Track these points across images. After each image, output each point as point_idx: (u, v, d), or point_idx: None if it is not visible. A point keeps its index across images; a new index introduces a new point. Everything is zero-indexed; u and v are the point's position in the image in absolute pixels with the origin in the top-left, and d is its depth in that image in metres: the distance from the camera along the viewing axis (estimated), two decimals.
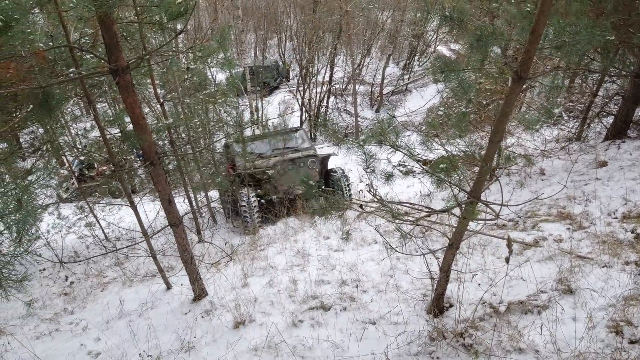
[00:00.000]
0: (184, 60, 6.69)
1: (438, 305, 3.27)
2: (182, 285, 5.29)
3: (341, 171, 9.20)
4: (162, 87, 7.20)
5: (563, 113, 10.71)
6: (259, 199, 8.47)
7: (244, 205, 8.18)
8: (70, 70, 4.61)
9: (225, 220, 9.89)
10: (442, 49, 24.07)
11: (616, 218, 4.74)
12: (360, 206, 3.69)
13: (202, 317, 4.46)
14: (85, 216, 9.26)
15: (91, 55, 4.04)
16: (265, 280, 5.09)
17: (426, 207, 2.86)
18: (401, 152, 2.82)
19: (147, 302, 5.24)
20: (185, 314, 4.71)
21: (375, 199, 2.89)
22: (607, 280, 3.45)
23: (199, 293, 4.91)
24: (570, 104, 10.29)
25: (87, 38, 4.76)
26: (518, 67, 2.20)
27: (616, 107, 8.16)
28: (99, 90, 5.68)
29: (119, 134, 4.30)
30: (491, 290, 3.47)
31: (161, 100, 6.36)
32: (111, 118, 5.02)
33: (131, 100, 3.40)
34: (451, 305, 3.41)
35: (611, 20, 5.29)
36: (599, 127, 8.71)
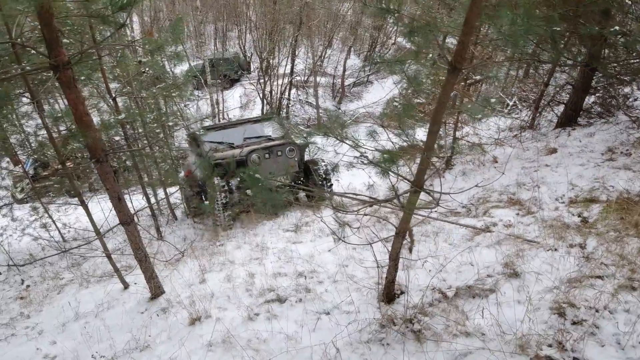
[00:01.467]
0: (141, 53, 6.53)
1: (388, 293, 3.33)
2: (135, 284, 5.20)
3: (322, 161, 8.66)
4: (114, 81, 7.01)
5: (517, 102, 11.03)
6: (226, 189, 7.84)
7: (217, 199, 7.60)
8: (15, 66, 4.44)
9: (187, 216, 9.65)
10: (403, 41, 24.31)
11: (563, 203, 4.92)
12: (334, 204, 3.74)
13: (158, 315, 4.40)
14: (40, 217, 8.97)
15: (34, 50, 3.88)
16: (222, 275, 5.06)
17: (369, 197, 2.90)
18: (347, 144, 2.84)
19: (104, 303, 5.12)
20: (142, 312, 4.64)
21: (327, 192, 2.90)
22: (552, 263, 3.58)
23: (156, 291, 4.84)
24: (523, 93, 10.59)
25: (29, 32, 4.59)
26: (453, 58, 2.24)
27: (567, 96, 8.45)
28: (47, 86, 5.47)
29: (66, 131, 4.17)
30: (440, 276, 3.56)
31: (113, 95, 6.19)
32: (59, 115, 4.86)
33: (73, 96, 3.29)
34: (402, 293, 3.48)
35: (559, 12, 5.45)
36: (550, 115, 9.00)
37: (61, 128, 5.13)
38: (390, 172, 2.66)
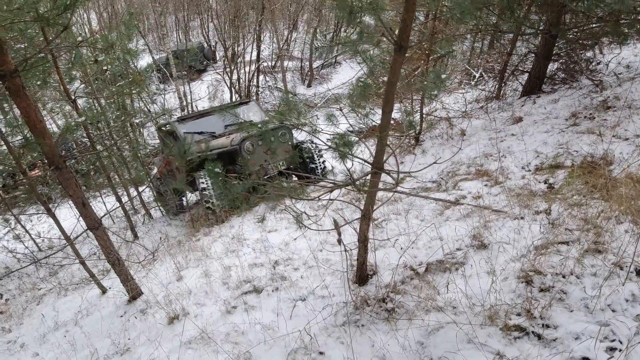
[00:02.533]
0: (97, 52, 6.36)
1: (361, 275, 3.37)
2: (110, 288, 5.15)
3: (311, 143, 8.22)
4: (74, 82, 6.82)
5: (483, 73, 11.12)
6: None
7: (207, 196, 7.08)
8: None
9: (163, 215, 9.50)
10: (368, 20, 24.14)
11: (529, 171, 5.02)
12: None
13: (137, 317, 4.37)
14: (12, 229, 8.78)
15: None
16: (199, 271, 5.04)
17: (331, 182, 2.91)
18: (305, 131, 2.83)
19: (82, 310, 5.07)
20: (121, 316, 4.60)
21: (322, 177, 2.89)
22: (519, 231, 3.66)
23: (133, 293, 4.80)
24: (488, 64, 10.68)
25: None
26: (397, 36, 2.24)
27: (531, 64, 8.55)
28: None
29: (22, 140, 4.06)
30: (411, 252, 3.60)
31: (72, 97, 6.03)
32: (16, 124, 4.72)
33: (24, 104, 3.19)
34: (374, 273, 3.52)
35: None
36: (515, 84, 9.11)
37: (18, 137, 4.99)
38: (348, 156, 2.66)
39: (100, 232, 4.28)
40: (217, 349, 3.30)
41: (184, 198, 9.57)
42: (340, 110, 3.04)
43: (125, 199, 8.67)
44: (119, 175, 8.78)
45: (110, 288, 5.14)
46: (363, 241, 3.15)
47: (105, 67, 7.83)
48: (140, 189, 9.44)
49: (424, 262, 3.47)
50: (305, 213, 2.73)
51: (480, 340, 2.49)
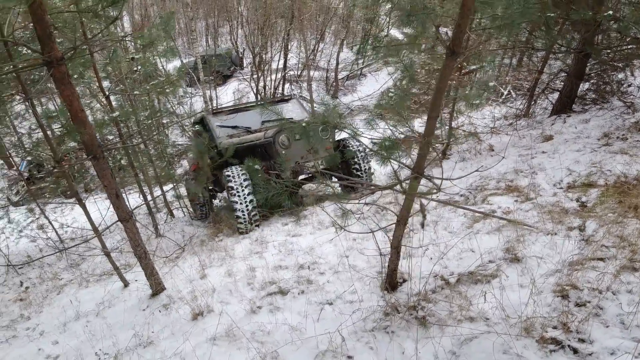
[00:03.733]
0: (133, 50, 6.48)
1: (391, 281, 3.33)
2: (136, 281, 5.18)
3: (356, 143, 7.24)
4: (108, 79, 6.95)
5: (511, 91, 11.04)
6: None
7: (235, 195, 6.32)
8: (6, 66, 4.39)
9: (191, 219, 9.37)
10: (395, 33, 24.25)
11: (561, 188, 4.94)
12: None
13: (160, 311, 4.39)
14: (37, 218, 8.94)
15: (26, 48, 3.84)
16: (223, 270, 5.05)
17: (372, 185, 2.90)
18: (346, 132, 2.83)
19: (104, 302, 5.11)
20: (143, 310, 4.63)
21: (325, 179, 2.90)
22: (552, 247, 3.60)
23: (156, 288, 4.82)
24: (518, 81, 10.60)
25: (20, 31, 4.54)
26: (450, 42, 2.24)
27: (561, 83, 8.47)
28: (40, 85, 5.43)
29: (61, 129, 4.13)
30: (442, 263, 3.57)
31: (107, 93, 6.15)
32: (54, 113, 4.82)
33: (68, 92, 3.26)
34: (404, 281, 3.48)
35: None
36: (545, 103, 9.01)
37: (55, 127, 5.09)
38: (390, 160, 2.65)
39: (131, 224, 4.33)
40: (243, 346, 3.29)
41: (214, 201, 9.23)
42: (381, 115, 3.04)
43: (149, 197, 8.75)
44: (144, 172, 8.88)
45: (137, 281, 5.17)
46: (396, 247, 3.12)
47: (135, 68, 7.99)
48: (165, 188, 9.53)
49: (455, 272, 3.43)
50: (352, 212, 2.71)
51: (516, 352, 2.45)
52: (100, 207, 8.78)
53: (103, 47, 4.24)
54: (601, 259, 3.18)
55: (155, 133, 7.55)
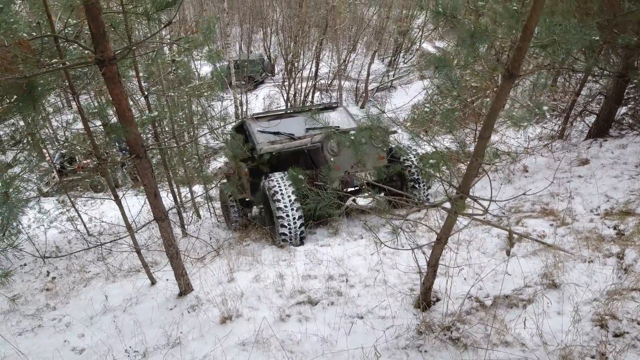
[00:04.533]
0: (168, 52, 6.61)
1: (426, 299, 3.30)
2: (167, 280, 5.24)
3: (414, 152, 6.39)
4: (146, 80, 7.10)
5: (547, 111, 10.85)
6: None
7: (281, 207, 5.77)
8: (54, 60, 4.52)
9: (227, 227, 8.93)
10: (427, 46, 24.20)
11: (598, 215, 4.83)
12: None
13: (189, 312, 4.42)
14: (67, 210, 9.14)
15: (75, 45, 3.96)
16: (251, 275, 5.07)
17: (417, 202, 2.88)
18: (390, 146, 2.83)
19: (132, 298, 5.18)
20: (171, 309, 4.67)
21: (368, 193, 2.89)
22: (590, 275, 3.52)
23: (185, 288, 4.87)
24: (554, 102, 10.43)
25: (70, 28, 4.68)
26: (509, 64, 2.22)
27: (598, 106, 8.31)
28: (82, 81, 5.57)
29: (103, 127, 4.23)
30: (477, 284, 3.51)
31: (145, 93, 6.28)
32: (94, 110, 4.94)
33: (117, 91, 3.34)
34: (438, 300, 3.44)
35: (597, 21, 5.37)
36: (581, 125, 8.85)
37: (97, 124, 5.22)
38: (437, 177, 2.64)
39: (166, 224, 4.39)
40: (272, 355, 3.29)
41: (252, 209, 8.70)
42: (426, 132, 3.02)
43: (178, 197, 8.87)
44: (174, 173, 9.02)
45: (167, 280, 5.22)
46: (433, 266, 3.09)
47: (173, 69, 8.14)
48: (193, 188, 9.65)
49: (490, 295, 3.37)
50: (401, 228, 2.70)
51: None
52: (128, 204, 8.94)
53: (158, 48, 4.34)
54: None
55: (191, 134, 7.63)
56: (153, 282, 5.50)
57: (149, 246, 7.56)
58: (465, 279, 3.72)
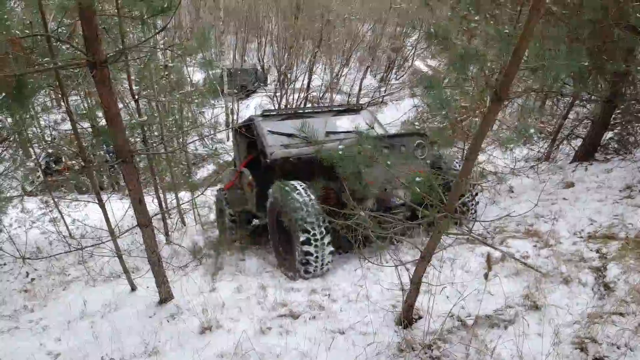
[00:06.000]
0: (161, 57, 6.60)
1: (407, 317, 3.29)
2: (148, 287, 5.17)
3: (455, 163, 5.58)
4: (138, 84, 7.07)
5: (533, 134, 11.00)
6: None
7: (307, 234, 4.54)
8: (45, 60, 4.49)
9: (220, 240, 7.92)
10: (419, 64, 24.48)
11: (582, 238, 4.88)
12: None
13: (168, 321, 4.36)
14: (50, 211, 9.01)
15: (68, 46, 3.93)
16: (234, 285, 5.03)
17: (402, 221, 2.89)
18: (378, 162, 2.84)
19: (111, 304, 5.10)
20: (150, 317, 4.60)
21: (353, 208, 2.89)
22: (571, 297, 3.55)
23: (165, 296, 4.80)
24: (541, 125, 10.58)
25: (64, 29, 4.65)
26: (498, 87, 2.25)
27: (585, 130, 8.45)
28: (72, 82, 5.53)
29: (91, 129, 4.20)
30: (459, 303, 3.51)
31: (136, 97, 6.24)
32: (83, 112, 4.90)
33: (107, 95, 3.32)
34: (420, 317, 3.44)
35: (587, 47, 5.48)
36: (567, 149, 8.98)
37: (84, 125, 5.18)
38: (424, 195, 2.65)
39: (149, 230, 4.34)
40: None
41: (255, 221, 7.84)
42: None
43: (163, 203, 8.78)
44: (160, 179, 8.95)
45: (148, 287, 5.15)
46: (417, 283, 3.09)
47: (165, 75, 8.12)
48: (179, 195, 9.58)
49: (472, 314, 3.38)
50: (383, 245, 2.69)
51: None
52: (112, 208, 8.83)
53: (151, 52, 4.33)
54: (621, 314, 3.13)
55: (180, 141, 7.59)
56: (133, 289, 5.43)
57: (130, 251, 7.47)
58: (447, 297, 3.72)
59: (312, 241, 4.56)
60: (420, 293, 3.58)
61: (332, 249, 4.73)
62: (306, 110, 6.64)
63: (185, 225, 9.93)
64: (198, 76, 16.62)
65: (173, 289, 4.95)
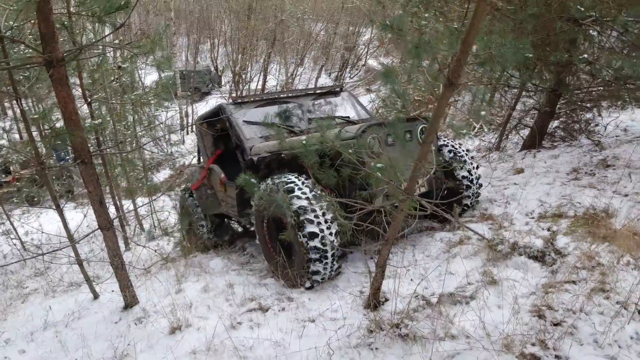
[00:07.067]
0: (112, 60, 6.47)
1: (375, 299, 3.41)
2: (113, 291, 5.07)
3: (459, 147, 5.39)
4: (90, 87, 6.90)
5: (484, 125, 11.47)
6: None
7: (314, 236, 3.85)
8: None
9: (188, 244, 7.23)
10: (372, 63, 24.91)
11: (533, 218, 5.15)
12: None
13: (136, 324, 4.30)
14: (2, 223, 8.66)
15: (22, 45, 3.82)
16: (200, 285, 5.00)
17: (363, 204, 3.00)
18: (342, 151, 2.94)
19: (74, 312, 4.96)
20: (116, 322, 4.52)
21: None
22: (525, 271, 3.77)
23: (130, 300, 4.72)
24: (490, 116, 11.04)
25: (15, 26, 4.49)
26: (450, 73, 2.39)
27: (531, 120, 8.88)
28: (23, 86, 5.34)
29: (48, 131, 4.09)
30: (423, 284, 3.67)
31: (89, 100, 6.10)
32: (35, 116, 4.76)
33: (65, 94, 3.26)
34: (387, 300, 3.57)
35: (531, 39, 5.78)
36: (516, 138, 9.42)
37: (36, 130, 5.02)
38: (384, 180, 2.76)
39: (111, 233, 4.27)
40: None
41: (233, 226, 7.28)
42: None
43: (120, 209, 8.59)
44: (116, 185, 8.75)
45: (113, 291, 5.06)
46: (382, 266, 3.21)
47: (117, 77, 7.93)
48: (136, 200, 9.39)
49: (435, 293, 3.54)
50: (349, 231, 2.77)
51: None
52: (66, 217, 8.56)
53: (108, 51, 4.25)
54: (573, 282, 3.36)
55: (137, 144, 7.44)
56: (96, 296, 5.30)
57: (90, 259, 7.28)
58: (412, 279, 3.87)
59: (320, 245, 3.87)
60: (385, 278, 3.71)
61: (339, 251, 4.08)
62: (282, 95, 5.96)
63: (144, 230, 9.75)
64: (150, 79, 16.32)
65: (138, 294, 4.88)
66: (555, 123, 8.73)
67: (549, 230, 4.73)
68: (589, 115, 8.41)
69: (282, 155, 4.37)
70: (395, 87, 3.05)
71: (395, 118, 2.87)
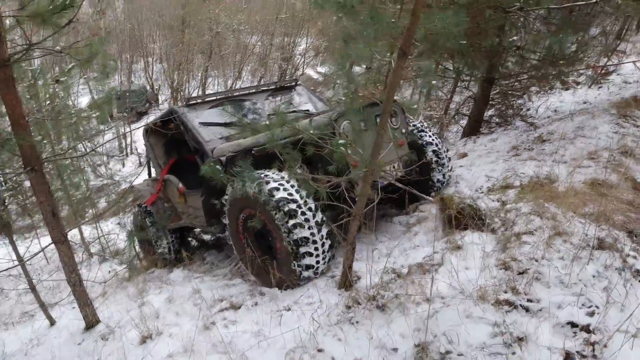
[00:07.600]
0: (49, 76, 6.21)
1: (348, 278, 3.47)
2: (74, 308, 4.81)
3: (428, 129, 5.52)
4: (26, 105, 6.55)
5: (423, 121, 11.91)
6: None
7: (303, 230, 3.69)
8: None
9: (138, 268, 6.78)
10: (310, 72, 25.24)
11: (483, 192, 5.43)
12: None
13: (102, 339, 4.11)
14: None
15: None
16: (164, 296, 4.83)
17: (329, 178, 3.06)
18: (302, 132, 3.00)
19: (32, 340, 4.66)
20: (79, 343, 4.30)
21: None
22: (484, 232, 3.97)
23: (92, 319, 4.48)
24: (428, 112, 11.51)
25: None
26: (402, 44, 2.52)
27: (469, 110, 9.36)
28: None
29: None
30: (390, 260, 3.79)
31: (26, 119, 5.79)
32: None
33: (12, 97, 3.12)
34: (359, 278, 3.64)
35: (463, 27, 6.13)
36: (455, 128, 9.89)
37: None
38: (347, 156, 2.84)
39: (65, 247, 4.07)
40: (205, 358, 3.22)
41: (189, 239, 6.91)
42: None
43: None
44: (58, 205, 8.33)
45: (74, 308, 4.80)
46: (352, 243, 3.28)
47: (53, 90, 7.54)
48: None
49: (404, 265, 3.65)
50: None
51: (477, 315, 2.72)
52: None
53: (45, 52, 4.06)
54: (531, 233, 3.59)
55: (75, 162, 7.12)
56: (52, 323, 5.01)
57: (42, 280, 6.83)
58: (379, 257, 3.97)
59: (310, 240, 3.71)
60: (354, 260, 3.79)
61: (330, 242, 3.90)
62: (236, 93, 5.79)
63: (92, 256, 9.32)
64: (83, 100, 15.71)
65: (98, 313, 4.66)
66: (491, 111, 9.25)
67: (498, 201, 5.00)
68: (520, 101, 8.98)
69: (253, 151, 4.17)
70: (342, 67, 3.17)
71: (356, 101, 2.78)
